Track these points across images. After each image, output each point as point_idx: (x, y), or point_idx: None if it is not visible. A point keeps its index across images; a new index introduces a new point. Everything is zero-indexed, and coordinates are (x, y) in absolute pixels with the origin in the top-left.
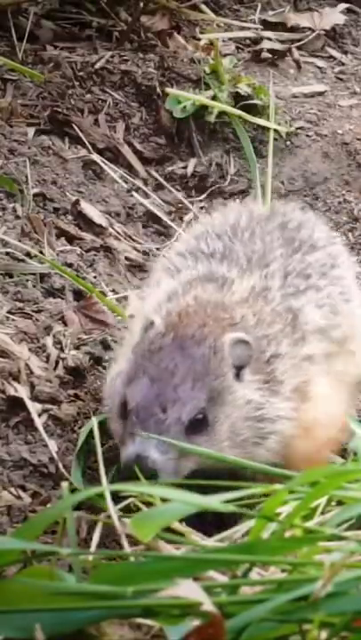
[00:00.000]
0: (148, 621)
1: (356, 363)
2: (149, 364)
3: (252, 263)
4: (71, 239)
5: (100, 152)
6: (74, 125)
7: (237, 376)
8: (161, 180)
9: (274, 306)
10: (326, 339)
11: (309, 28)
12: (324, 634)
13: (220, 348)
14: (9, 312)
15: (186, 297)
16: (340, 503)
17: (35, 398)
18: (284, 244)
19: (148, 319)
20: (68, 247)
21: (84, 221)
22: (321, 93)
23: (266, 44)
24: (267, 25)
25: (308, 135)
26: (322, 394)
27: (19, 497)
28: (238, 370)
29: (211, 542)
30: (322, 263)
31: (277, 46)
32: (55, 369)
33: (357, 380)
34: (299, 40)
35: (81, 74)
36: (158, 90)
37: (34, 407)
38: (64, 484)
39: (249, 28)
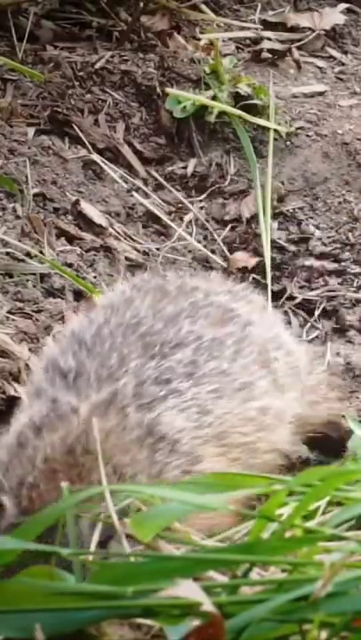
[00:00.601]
0: (148, 621)
1: (260, 453)
2: None
3: (103, 380)
4: (71, 239)
5: (100, 152)
6: (74, 125)
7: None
8: (161, 180)
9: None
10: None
11: (309, 28)
12: (324, 634)
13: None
14: (9, 312)
15: (22, 459)
16: (340, 504)
17: None
18: (141, 354)
19: None
20: (68, 247)
21: (84, 221)
22: (321, 93)
23: (266, 44)
24: (267, 25)
25: (308, 135)
26: None
27: None
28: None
29: (211, 542)
30: (187, 362)
31: (277, 46)
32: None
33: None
34: (299, 40)
35: (81, 74)
36: (158, 90)
37: None
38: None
39: (249, 28)
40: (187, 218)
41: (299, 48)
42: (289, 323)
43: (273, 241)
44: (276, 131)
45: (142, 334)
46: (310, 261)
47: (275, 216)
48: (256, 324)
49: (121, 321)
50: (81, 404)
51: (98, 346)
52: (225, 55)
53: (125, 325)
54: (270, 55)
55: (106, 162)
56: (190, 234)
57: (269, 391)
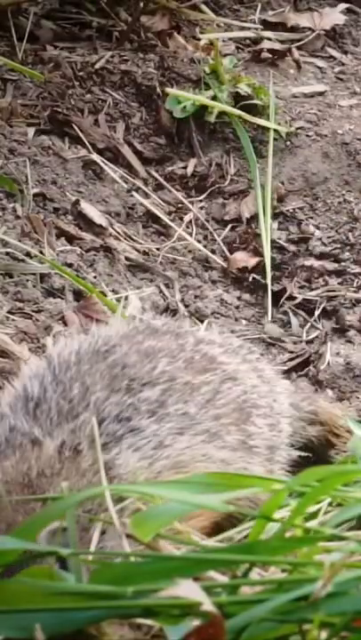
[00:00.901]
0: (148, 621)
1: None
2: None
3: (63, 414)
4: (71, 239)
5: (100, 152)
6: (74, 125)
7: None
8: (161, 180)
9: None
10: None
11: (309, 28)
12: (324, 634)
13: None
14: (9, 312)
15: None
16: (340, 504)
17: None
18: (106, 385)
19: None
20: (68, 247)
21: (84, 221)
22: (321, 93)
23: (266, 44)
24: (267, 25)
25: (308, 135)
26: None
27: None
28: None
29: (211, 542)
30: (153, 400)
31: (277, 46)
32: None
33: None
34: (299, 40)
35: (81, 74)
36: (158, 90)
37: None
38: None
39: (249, 28)
40: (187, 218)
41: (299, 48)
42: (289, 323)
43: (273, 241)
44: (276, 131)
45: (112, 364)
46: (310, 261)
47: (275, 216)
48: (242, 383)
49: (92, 348)
50: (45, 438)
51: (63, 373)
52: (225, 55)
53: (94, 352)
54: (270, 55)
55: (106, 162)
56: (190, 234)
57: (236, 449)
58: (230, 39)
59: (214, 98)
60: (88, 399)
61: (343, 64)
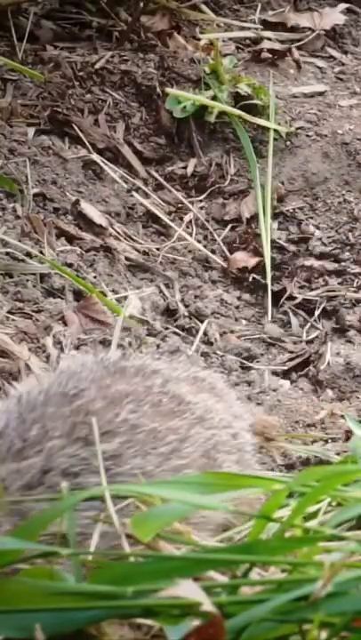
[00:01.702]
0: (148, 621)
1: None
2: None
3: (13, 453)
4: (71, 239)
5: (100, 152)
6: (74, 125)
7: None
8: (161, 180)
9: None
10: None
11: (309, 28)
12: (324, 634)
13: None
14: (9, 312)
15: None
16: (340, 504)
17: None
18: (65, 432)
19: None
20: (68, 247)
21: (84, 221)
22: (321, 93)
23: (266, 44)
24: (267, 25)
25: (308, 135)
26: None
27: None
28: None
29: (211, 542)
30: (109, 456)
31: (277, 46)
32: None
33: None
34: (299, 40)
35: (81, 74)
36: (158, 90)
37: None
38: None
39: (249, 28)
40: (187, 218)
41: (299, 48)
42: (289, 323)
43: (273, 241)
44: (276, 131)
45: (76, 410)
46: (310, 261)
47: (275, 216)
48: (209, 423)
49: (60, 389)
50: None
51: (27, 412)
52: (225, 55)
53: (62, 394)
54: (270, 55)
55: (106, 162)
56: (190, 234)
57: None
58: (230, 39)
59: (214, 98)
60: (44, 445)
61: (343, 64)
